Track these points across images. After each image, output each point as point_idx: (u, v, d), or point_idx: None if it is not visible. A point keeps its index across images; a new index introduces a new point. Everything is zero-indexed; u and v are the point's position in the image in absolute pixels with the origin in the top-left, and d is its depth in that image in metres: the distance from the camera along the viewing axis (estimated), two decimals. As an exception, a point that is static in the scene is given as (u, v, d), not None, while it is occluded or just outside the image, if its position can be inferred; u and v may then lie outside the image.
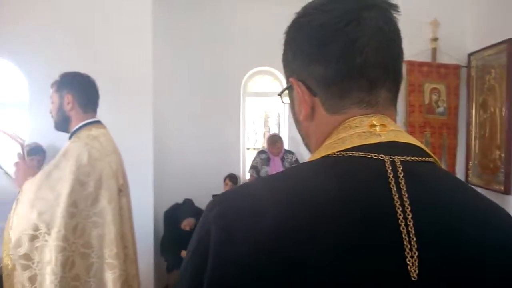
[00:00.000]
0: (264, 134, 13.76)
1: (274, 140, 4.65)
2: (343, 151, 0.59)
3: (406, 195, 0.54)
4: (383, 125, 0.61)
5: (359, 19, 0.60)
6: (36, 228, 1.79)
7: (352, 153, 0.58)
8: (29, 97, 4.17)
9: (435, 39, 3.54)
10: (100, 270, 1.90)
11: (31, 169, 2.00)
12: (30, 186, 1.86)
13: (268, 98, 6.36)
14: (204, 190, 4.60)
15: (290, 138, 5.12)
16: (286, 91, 0.73)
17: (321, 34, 0.62)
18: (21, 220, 1.80)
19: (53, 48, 3.99)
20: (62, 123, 2.05)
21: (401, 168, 0.56)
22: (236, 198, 0.59)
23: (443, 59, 3.59)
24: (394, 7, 0.63)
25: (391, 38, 0.63)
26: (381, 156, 0.57)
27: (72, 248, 1.81)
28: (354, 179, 0.56)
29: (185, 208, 4.08)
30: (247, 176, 5.11)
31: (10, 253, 1.79)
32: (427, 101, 3.54)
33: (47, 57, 3.98)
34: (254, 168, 4.69)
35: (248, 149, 5.82)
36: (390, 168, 0.56)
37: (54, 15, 4.01)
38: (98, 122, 2.09)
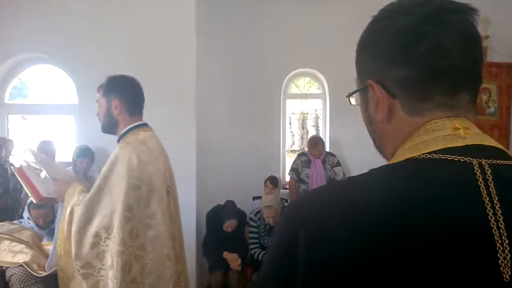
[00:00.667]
0: (302, 136, 13.70)
1: (315, 142, 4.61)
2: (428, 153, 0.59)
3: (496, 198, 0.54)
4: (466, 128, 0.61)
5: (443, 23, 0.60)
6: (97, 235, 1.83)
7: (439, 156, 0.58)
8: (78, 101, 4.33)
9: (486, 37, 3.41)
10: (152, 271, 1.92)
11: (64, 185, 2.00)
12: (88, 197, 1.88)
13: (305, 100, 6.32)
14: (244, 191, 4.63)
15: (331, 140, 5.06)
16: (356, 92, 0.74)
17: (404, 37, 0.62)
18: (80, 230, 1.83)
19: (99, 52, 4.14)
20: (110, 127, 2.06)
21: (490, 171, 0.56)
22: (320, 201, 0.60)
23: (494, 57, 3.45)
24: (474, 11, 0.63)
25: (475, 42, 0.63)
26: (469, 159, 0.57)
27: (129, 251, 1.83)
28: (443, 182, 0.56)
29: (227, 209, 4.11)
30: (287, 178, 5.10)
31: (64, 264, 1.84)
32: (477, 102, 3.41)
33: (93, 62, 4.12)
34: (294, 170, 4.67)
35: (286, 151, 5.81)
36: (479, 171, 0.56)
37: (100, 22, 4.15)
38: (145, 125, 2.09)
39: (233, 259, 3.92)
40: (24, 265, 2.16)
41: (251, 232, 4.03)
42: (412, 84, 0.62)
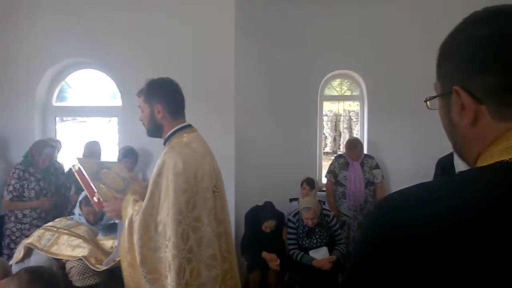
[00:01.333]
0: (334, 138, 13.63)
1: (354, 145, 4.60)
2: None
3: None
4: None
5: None
6: (157, 240, 1.89)
7: None
8: (121, 103, 4.48)
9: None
10: (200, 273, 1.95)
11: (117, 203, 2.06)
12: (143, 205, 1.94)
13: (342, 102, 6.32)
14: (281, 192, 4.65)
15: (369, 142, 5.04)
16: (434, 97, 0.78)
17: (492, 45, 0.65)
18: (141, 237, 1.89)
19: (140, 55, 4.28)
20: (155, 131, 2.10)
21: None
22: (415, 200, 0.63)
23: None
24: None
25: None
26: None
27: (182, 254, 1.87)
28: None
29: (266, 210, 4.16)
30: (324, 180, 5.11)
31: (129, 275, 1.92)
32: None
33: (135, 64, 4.25)
34: (331, 172, 4.67)
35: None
36: None
37: (139, 25, 4.30)
38: (189, 126, 2.12)
39: (272, 259, 3.97)
40: (83, 259, 2.28)
41: (289, 233, 4.06)
42: (499, 91, 0.65)
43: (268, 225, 4.04)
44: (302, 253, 3.90)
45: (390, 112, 4.84)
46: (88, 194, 2.13)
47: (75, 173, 2.16)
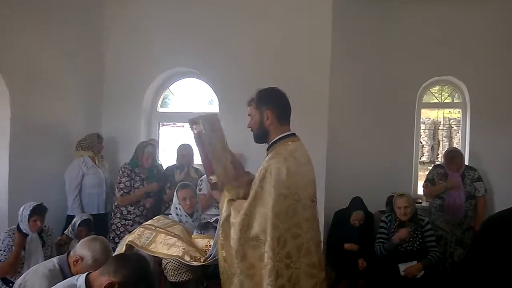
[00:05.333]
0: (432, 146, 12.83)
1: (453, 156, 4.30)
2: None
3: None
4: None
5: None
6: (257, 238, 1.96)
7: None
8: (219, 110, 4.72)
9: None
10: (298, 279, 1.97)
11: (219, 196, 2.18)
12: (247, 204, 2.00)
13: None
14: (374, 203, 4.49)
15: (471, 153, 4.68)
16: None
17: None
18: (243, 235, 1.98)
19: (238, 67, 4.49)
20: (262, 136, 2.17)
21: None
22: None
23: None
24: None
25: None
26: None
27: (277, 258, 1.92)
28: None
29: (354, 201, 4.15)
30: (420, 192, 4.85)
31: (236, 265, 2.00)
32: None
33: (234, 76, 4.49)
34: (429, 181, 4.41)
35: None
36: None
37: (241, 40, 4.51)
38: (293, 135, 2.17)
39: (351, 248, 4.00)
40: (178, 258, 2.45)
41: (380, 233, 3.94)
42: None
43: (356, 217, 4.00)
44: (385, 242, 3.80)
45: (496, 121, 4.46)
46: (204, 167, 2.21)
47: (194, 135, 2.18)
